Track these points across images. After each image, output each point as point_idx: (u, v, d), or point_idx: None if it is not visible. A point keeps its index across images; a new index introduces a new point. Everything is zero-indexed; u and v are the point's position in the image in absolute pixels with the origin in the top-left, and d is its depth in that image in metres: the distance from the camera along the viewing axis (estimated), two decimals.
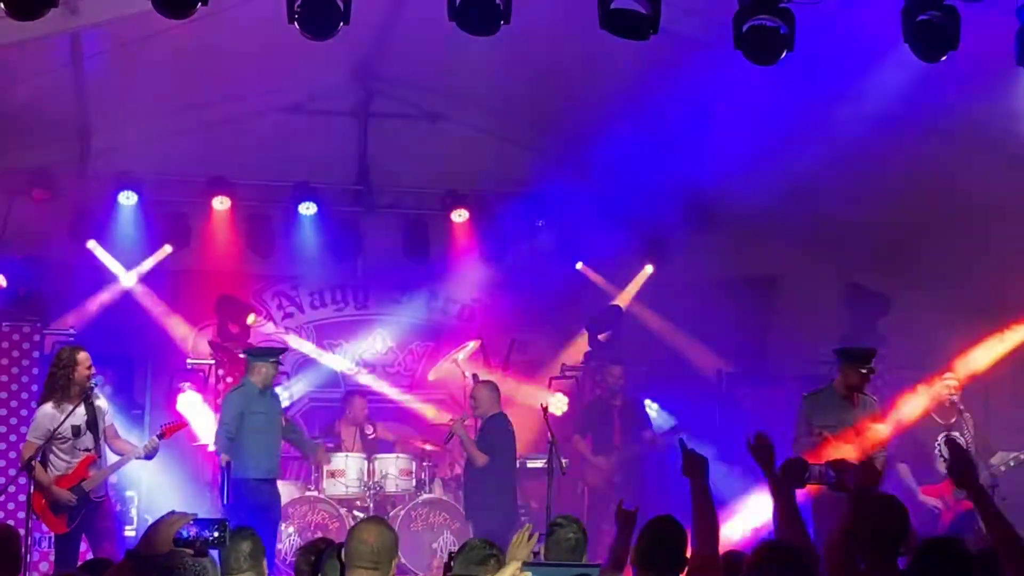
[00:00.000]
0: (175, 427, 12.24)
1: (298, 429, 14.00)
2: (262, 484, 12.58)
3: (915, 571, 5.83)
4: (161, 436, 11.90)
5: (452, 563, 6.71)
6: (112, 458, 11.90)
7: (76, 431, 11.43)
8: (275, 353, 13.24)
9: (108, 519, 11.92)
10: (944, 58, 9.77)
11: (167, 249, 16.15)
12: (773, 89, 12.28)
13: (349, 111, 16.40)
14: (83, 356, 11.61)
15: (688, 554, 6.70)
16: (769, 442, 6.85)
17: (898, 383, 15.08)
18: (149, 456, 11.89)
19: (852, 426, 12.08)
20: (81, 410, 11.48)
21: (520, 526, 8.59)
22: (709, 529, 6.50)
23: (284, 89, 15.55)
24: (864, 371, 12.18)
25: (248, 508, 12.20)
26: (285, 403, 16.22)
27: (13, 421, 14.38)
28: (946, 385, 12.77)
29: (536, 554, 7.60)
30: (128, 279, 16.00)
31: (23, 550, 10.84)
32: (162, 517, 5.21)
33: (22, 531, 11.49)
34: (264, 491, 12.58)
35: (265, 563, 6.89)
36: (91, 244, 15.89)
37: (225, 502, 12.39)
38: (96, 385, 11.76)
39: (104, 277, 15.84)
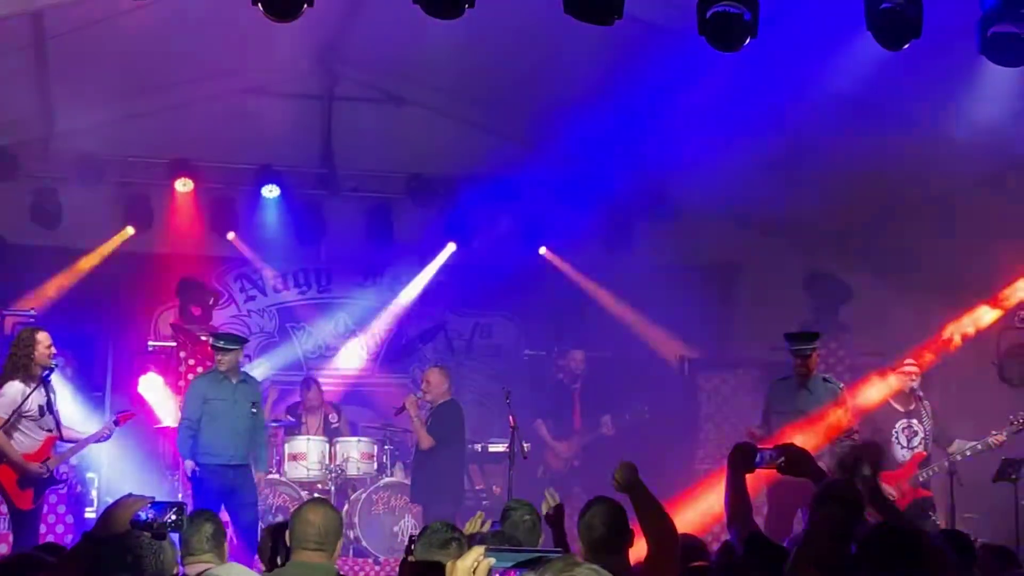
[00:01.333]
0: (128, 415, 12.38)
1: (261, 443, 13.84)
2: (223, 469, 12.55)
3: (865, 555, 5.89)
4: (116, 423, 12.06)
5: (413, 546, 6.69)
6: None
7: (41, 411, 11.45)
8: (234, 340, 13.19)
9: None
10: (907, 46, 9.80)
11: (128, 231, 16.11)
12: (736, 76, 12.31)
13: (313, 94, 16.36)
14: (43, 336, 11.61)
15: (632, 530, 6.78)
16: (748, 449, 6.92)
17: (859, 370, 15.20)
18: (104, 439, 12.03)
19: (804, 411, 12.26)
20: (42, 391, 11.49)
21: (467, 512, 8.61)
22: (659, 529, 6.59)
23: (248, 71, 15.50)
24: (796, 352, 12.43)
25: (208, 492, 12.28)
26: None
27: None
28: (906, 372, 12.84)
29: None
30: (89, 261, 15.93)
31: None
32: (119, 499, 5.20)
33: None
34: (226, 476, 12.53)
35: (226, 546, 6.89)
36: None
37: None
38: (56, 367, 11.76)
39: (64, 259, 15.75)
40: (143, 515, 5.09)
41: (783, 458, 6.81)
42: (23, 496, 11.40)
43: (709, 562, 7.58)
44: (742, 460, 6.79)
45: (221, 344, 12.94)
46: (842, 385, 12.92)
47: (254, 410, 12.86)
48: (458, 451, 13.78)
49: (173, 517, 5.11)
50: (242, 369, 13.25)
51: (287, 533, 6.72)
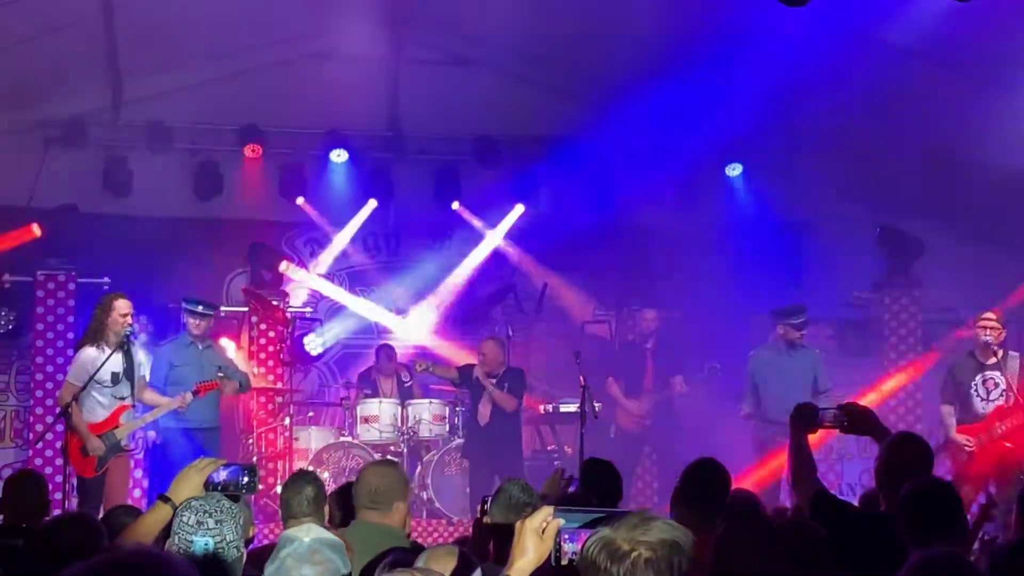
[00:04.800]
0: (209, 386, 12.34)
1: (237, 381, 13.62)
2: (190, 433, 12.71)
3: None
4: (195, 393, 12.07)
5: (487, 507, 6.71)
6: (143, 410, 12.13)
7: (115, 378, 11.56)
8: (204, 305, 13.24)
9: (126, 472, 12.13)
10: None
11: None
12: (805, 30, 12.20)
13: (380, 58, 16.33)
14: (120, 303, 11.75)
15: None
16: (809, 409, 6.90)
17: (932, 325, 15.09)
18: (181, 410, 12.10)
19: (793, 376, 13.32)
20: (120, 358, 11.61)
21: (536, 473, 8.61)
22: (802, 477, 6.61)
23: (314, 36, 15.49)
24: (797, 326, 13.74)
25: (175, 455, 12.50)
26: (318, 350, 16.32)
27: (49, 369, 14.50)
28: (983, 327, 12.71)
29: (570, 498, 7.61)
30: (161, 227, 16.05)
31: (60, 495, 11.06)
32: (193, 462, 5.25)
33: (59, 477, 11.67)
34: (193, 439, 12.69)
35: (325, 510, 6.91)
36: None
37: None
38: (132, 333, 11.89)
39: (136, 226, 15.85)
40: (217, 477, 5.14)
41: (846, 417, 6.79)
42: (86, 464, 11.53)
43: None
44: (804, 420, 6.79)
45: (200, 309, 13.03)
46: (818, 351, 13.97)
47: (220, 374, 12.86)
48: (519, 418, 14.31)
49: (247, 479, 5.15)
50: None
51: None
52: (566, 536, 4.09)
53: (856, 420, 6.82)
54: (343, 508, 7.07)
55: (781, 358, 13.77)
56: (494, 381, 13.90)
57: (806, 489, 6.58)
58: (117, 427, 11.63)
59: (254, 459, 14.28)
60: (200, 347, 13.06)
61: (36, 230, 14.93)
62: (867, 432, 6.89)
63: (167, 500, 5.09)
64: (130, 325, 11.80)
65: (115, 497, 11.35)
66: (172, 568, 2.61)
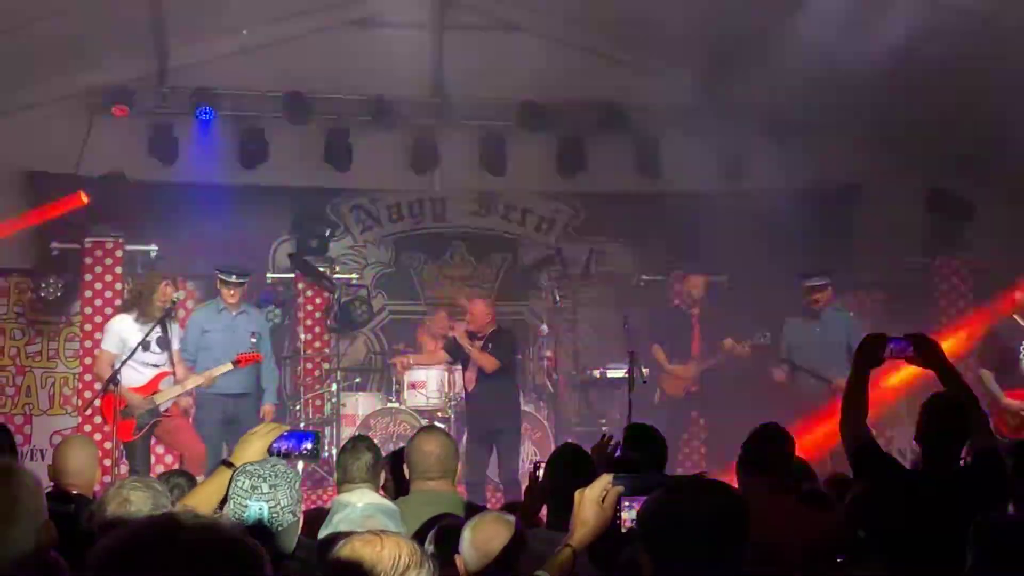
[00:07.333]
0: (250, 357, 12.31)
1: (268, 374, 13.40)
2: (222, 399, 12.60)
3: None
4: (236, 363, 12.05)
5: (539, 472, 6.71)
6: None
7: (145, 346, 11.60)
8: (237, 274, 13.07)
9: (175, 420, 12.21)
10: None
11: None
12: None
13: (425, 23, 16.30)
14: (164, 284, 11.83)
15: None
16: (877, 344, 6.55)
17: (982, 289, 14.98)
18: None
19: (823, 340, 13.26)
20: (154, 328, 11.69)
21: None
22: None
23: (359, 2, 15.48)
24: (814, 288, 13.59)
25: (208, 422, 12.58)
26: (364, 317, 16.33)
27: (98, 336, 14.54)
28: None
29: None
30: (207, 194, 16.06)
31: (109, 461, 11.12)
32: (256, 428, 5.25)
33: (108, 443, 11.73)
34: (225, 406, 12.62)
35: (382, 477, 6.88)
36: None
37: None
38: (176, 302, 11.98)
39: (183, 193, 15.89)
40: (280, 444, 5.13)
41: (911, 348, 6.37)
42: (124, 427, 11.58)
43: (815, 484, 7.50)
44: (870, 352, 6.39)
45: (234, 279, 12.93)
46: (851, 314, 13.80)
47: (253, 340, 12.73)
48: (513, 379, 13.85)
49: (309, 446, 5.14)
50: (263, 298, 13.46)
51: (403, 464, 6.75)
52: (626, 504, 4.09)
53: (925, 353, 6.42)
54: (395, 474, 7.06)
55: (811, 325, 13.57)
56: (480, 344, 13.60)
57: (852, 438, 6.28)
58: (157, 392, 11.70)
59: (301, 425, 14.33)
60: (233, 313, 12.97)
61: (83, 197, 14.97)
62: (934, 367, 6.47)
63: (230, 466, 5.08)
64: (172, 301, 11.92)
65: (187, 449, 11.83)
66: (219, 534, 2.61)
